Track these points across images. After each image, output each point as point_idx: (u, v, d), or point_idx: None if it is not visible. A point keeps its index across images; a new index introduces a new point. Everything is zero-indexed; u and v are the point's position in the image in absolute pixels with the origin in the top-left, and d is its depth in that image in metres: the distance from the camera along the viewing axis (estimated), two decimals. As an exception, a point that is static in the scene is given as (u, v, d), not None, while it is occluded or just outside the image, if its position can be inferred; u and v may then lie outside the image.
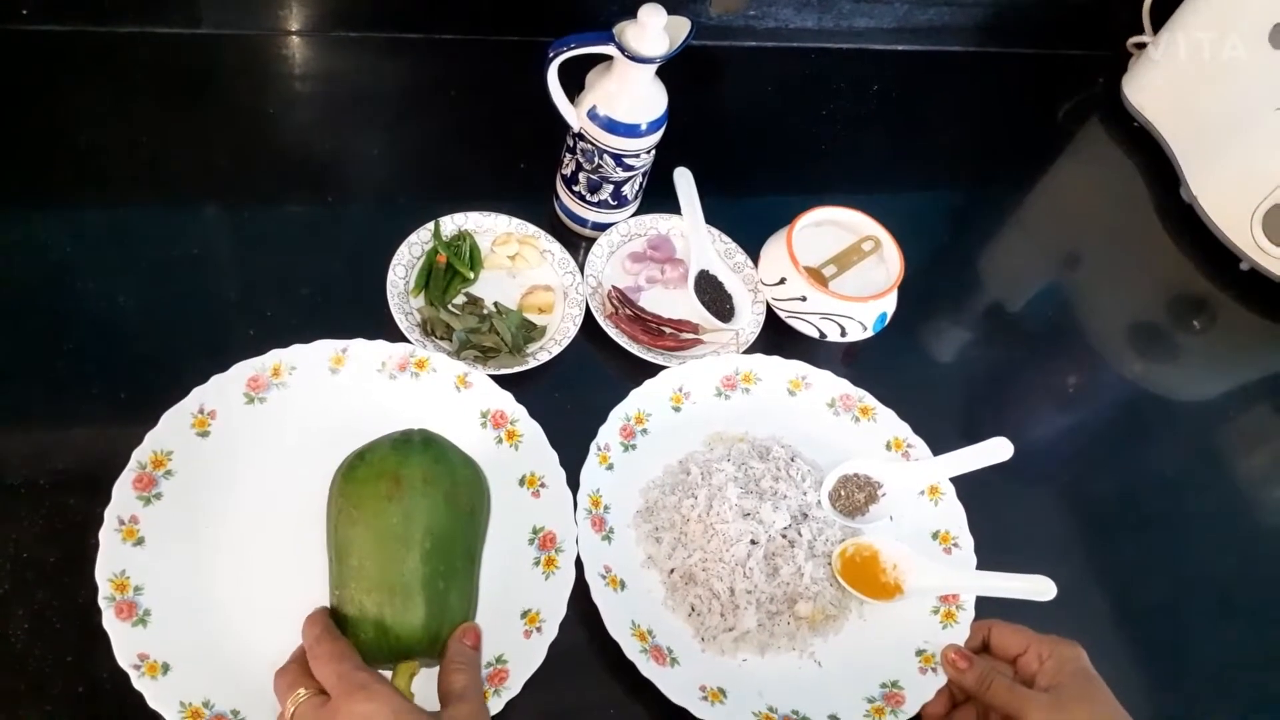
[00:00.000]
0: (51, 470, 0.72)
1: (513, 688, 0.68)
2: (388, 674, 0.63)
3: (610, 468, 0.80)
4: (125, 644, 0.64)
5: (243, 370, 0.75)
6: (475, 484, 0.70)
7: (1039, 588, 0.75)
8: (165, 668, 0.64)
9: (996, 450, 0.81)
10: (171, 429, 0.71)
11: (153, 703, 0.62)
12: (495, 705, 0.67)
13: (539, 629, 0.70)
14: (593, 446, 0.79)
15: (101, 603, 0.64)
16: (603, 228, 0.93)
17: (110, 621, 0.64)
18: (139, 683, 0.62)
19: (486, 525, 0.71)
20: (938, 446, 0.85)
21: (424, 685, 0.65)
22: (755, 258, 0.94)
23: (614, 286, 0.91)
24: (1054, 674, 0.70)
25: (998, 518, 0.84)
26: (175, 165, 0.90)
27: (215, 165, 0.91)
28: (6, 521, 0.69)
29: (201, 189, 0.89)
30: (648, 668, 0.70)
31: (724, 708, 0.70)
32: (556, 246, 0.90)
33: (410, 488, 0.65)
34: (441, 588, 0.64)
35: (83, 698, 0.65)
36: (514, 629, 0.70)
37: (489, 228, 0.90)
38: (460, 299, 0.87)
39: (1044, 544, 0.89)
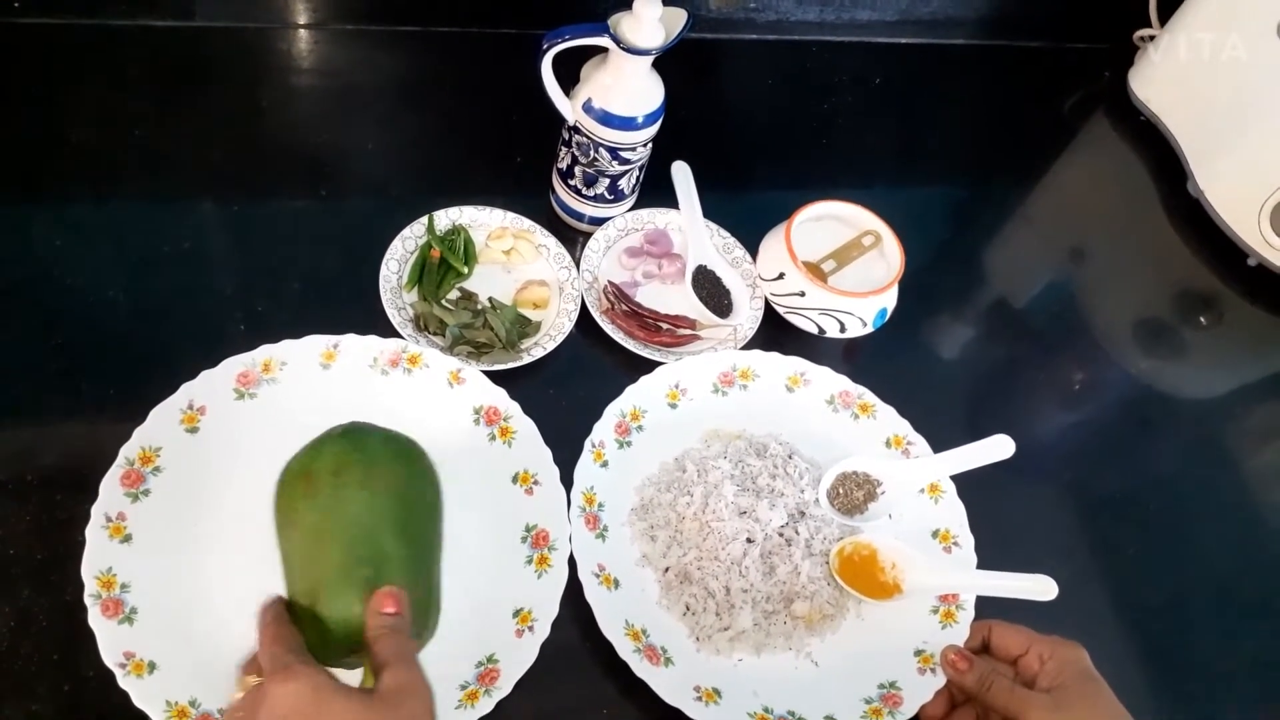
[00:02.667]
0: (39, 466, 0.71)
1: (504, 688, 0.67)
2: (358, 674, 0.61)
3: (605, 465, 0.79)
4: (111, 642, 0.63)
5: (232, 366, 0.74)
6: (400, 465, 0.66)
7: (1040, 587, 0.74)
8: (151, 666, 0.63)
9: (998, 448, 0.80)
10: (160, 425, 0.71)
11: (138, 701, 0.62)
12: (486, 705, 0.66)
13: (531, 628, 0.69)
14: (587, 443, 0.78)
15: (87, 600, 0.64)
16: (599, 222, 0.92)
17: (96, 619, 0.63)
18: (124, 681, 0.62)
19: (429, 503, 0.67)
20: (938, 444, 0.84)
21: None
22: (754, 253, 0.93)
23: (610, 282, 0.90)
24: (1055, 675, 0.69)
25: (999, 516, 0.82)
26: (167, 159, 0.89)
27: (207, 159, 0.90)
28: (-8, 518, 0.69)
29: (193, 183, 0.89)
30: (641, 668, 0.69)
31: (718, 708, 0.69)
32: (552, 241, 0.90)
33: (322, 482, 0.63)
34: (370, 575, 0.60)
35: (68, 696, 0.64)
36: (505, 628, 0.70)
37: (484, 222, 0.89)
38: (454, 294, 0.86)
39: (1046, 543, 0.87)
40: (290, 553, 0.63)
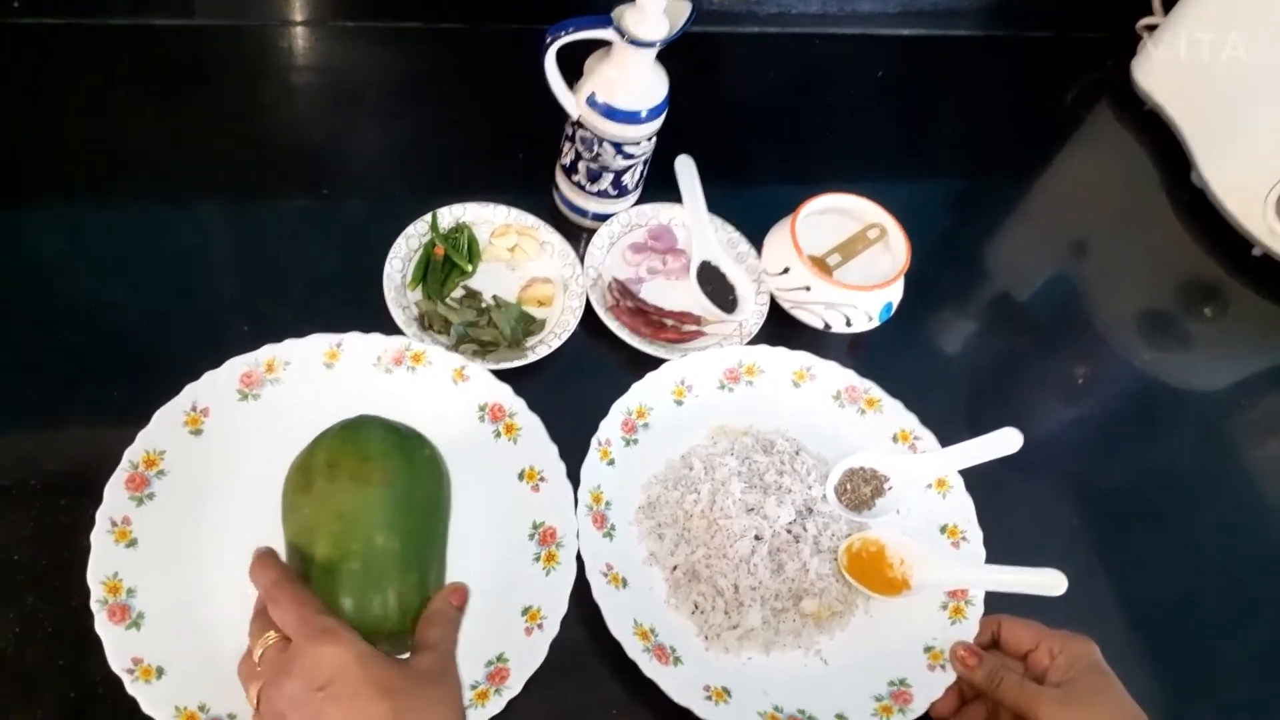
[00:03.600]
0: (42, 471, 0.71)
1: (514, 687, 0.66)
2: None
3: (611, 463, 0.78)
4: (118, 648, 0.63)
5: (236, 366, 0.74)
6: (398, 457, 0.65)
7: (1050, 582, 0.74)
8: (160, 671, 0.63)
9: (1006, 441, 0.80)
10: (164, 427, 0.70)
11: (147, 708, 0.61)
12: (497, 705, 0.66)
13: (540, 626, 0.69)
14: (593, 442, 0.78)
15: (94, 606, 0.63)
16: (603, 218, 0.92)
17: (103, 625, 0.63)
18: (132, 688, 0.61)
19: (429, 494, 0.67)
20: (945, 438, 0.83)
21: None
22: (759, 247, 0.93)
23: (615, 278, 0.89)
24: (1066, 669, 0.69)
25: (1006, 511, 0.82)
26: (168, 158, 0.89)
27: (208, 158, 0.90)
28: (-3, 523, 0.68)
29: (194, 182, 0.88)
30: (650, 667, 0.69)
31: (728, 707, 0.69)
32: (556, 238, 0.89)
33: (317, 476, 0.63)
34: (357, 568, 0.60)
35: (75, 703, 0.63)
36: (515, 626, 0.69)
37: (487, 219, 0.89)
38: (458, 292, 0.86)
39: (1053, 537, 0.87)
40: (288, 546, 0.64)
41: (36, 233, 0.82)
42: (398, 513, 0.63)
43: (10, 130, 0.87)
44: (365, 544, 0.61)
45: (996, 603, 0.76)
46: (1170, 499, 0.93)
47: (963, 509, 0.81)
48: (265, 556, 0.61)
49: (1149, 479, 0.94)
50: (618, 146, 0.85)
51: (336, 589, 0.60)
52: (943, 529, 0.81)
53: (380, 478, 0.63)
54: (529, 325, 0.85)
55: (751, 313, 0.89)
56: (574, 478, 0.75)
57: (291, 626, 0.56)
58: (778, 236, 0.90)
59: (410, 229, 0.85)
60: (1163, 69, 1.18)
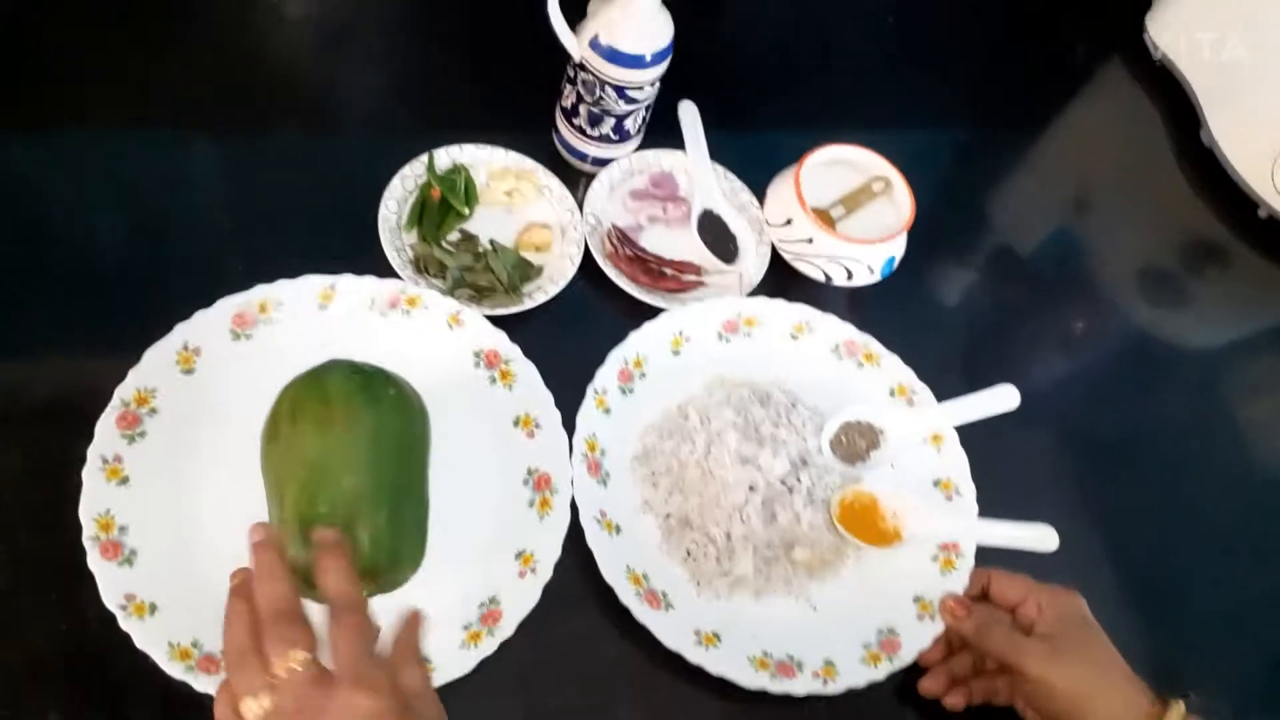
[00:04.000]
0: (33, 408, 0.70)
1: (506, 629, 0.67)
2: None
3: (607, 412, 0.78)
4: (111, 584, 0.63)
5: (228, 306, 0.73)
6: (362, 399, 0.64)
7: (1041, 536, 0.74)
8: (153, 608, 0.63)
9: (1003, 398, 0.80)
10: (155, 366, 0.70)
11: (140, 643, 0.62)
12: (490, 645, 0.66)
13: (533, 570, 0.69)
14: (589, 390, 0.77)
15: (86, 543, 0.63)
16: (603, 163, 0.90)
17: (95, 561, 0.63)
18: (126, 623, 0.62)
19: (400, 433, 0.65)
20: (943, 393, 0.83)
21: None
22: (761, 197, 0.91)
23: (614, 225, 0.88)
24: (1053, 623, 0.69)
25: (1001, 465, 0.82)
26: (160, 96, 0.87)
27: (201, 96, 0.88)
28: (-13, 459, 0.68)
29: (188, 120, 0.86)
30: (642, 612, 0.70)
31: (718, 651, 0.70)
32: (555, 182, 0.88)
33: (281, 425, 0.63)
34: (324, 511, 0.59)
35: (68, 638, 0.64)
36: (508, 569, 0.70)
37: (485, 161, 0.87)
38: (455, 235, 0.84)
39: (1047, 492, 0.87)
40: (266, 495, 0.64)
41: (28, 168, 0.81)
42: (363, 454, 0.62)
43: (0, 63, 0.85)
44: (332, 488, 0.61)
45: (987, 556, 0.77)
46: (1164, 455, 0.93)
47: (957, 464, 0.81)
48: (340, 557, 0.55)
49: (1144, 435, 0.94)
50: (620, 90, 0.83)
51: (307, 534, 0.60)
52: (936, 483, 0.81)
53: (342, 420, 0.62)
54: (526, 271, 0.84)
55: (752, 263, 0.89)
56: (569, 425, 0.75)
57: (345, 662, 0.51)
58: (781, 187, 0.89)
59: (406, 169, 0.84)
60: (1177, 23, 1.16)
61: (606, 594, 0.70)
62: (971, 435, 0.82)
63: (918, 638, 0.73)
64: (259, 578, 0.53)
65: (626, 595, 0.70)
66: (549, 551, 0.70)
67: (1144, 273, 1.06)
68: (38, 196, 0.79)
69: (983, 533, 0.77)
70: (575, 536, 0.71)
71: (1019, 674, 0.68)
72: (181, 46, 0.90)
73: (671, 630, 0.69)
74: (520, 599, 0.68)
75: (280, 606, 0.52)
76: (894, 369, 0.85)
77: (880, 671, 0.71)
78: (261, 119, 0.88)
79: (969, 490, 0.80)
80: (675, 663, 0.69)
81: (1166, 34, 1.17)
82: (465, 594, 0.69)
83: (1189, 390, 0.99)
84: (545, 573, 0.69)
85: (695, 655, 0.69)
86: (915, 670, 0.73)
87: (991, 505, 0.80)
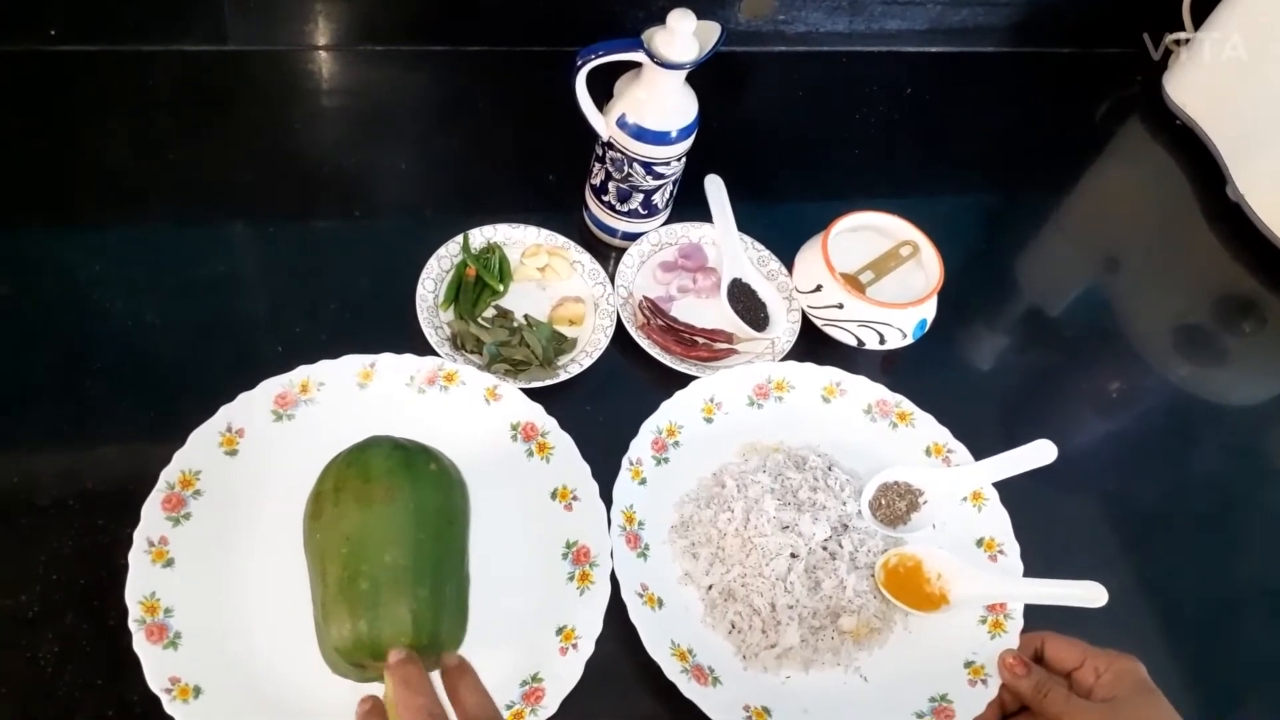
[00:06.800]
0: (81, 491, 0.71)
1: (549, 707, 0.66)
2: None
3: (643, 482, 0.78)
4: (156, 667, 0.63)
5: (270, 387, 0.74)
6: (403, 475, 0.64)
7: (1089, 594, 0.73)
8: (197, 691, 0.63)
9: (1040, 453, 0.79)
10: (199, 448, 0.71)
11: (184, 727, 0.61)
12: (532, 725, 0.65)
13: (575, 646, 0.69)
14: (625, 461, 0.77)
15: (132, 625, 0.64)
16: (633, 237, 0.92)
17: (141, 644, 0.63)
18: (170, 707, 0.62)
19: (440, 508, 0.66)
20: (980, 454, 0.82)
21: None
22: (789, 265, 0.92)
23: (645, 297, 0.89)
24: (1112, 686, 0.67)
25: (1041, 527, 0.81)
26: (202, 183, 0.90)
27: (242, 182, 0.91)
28: (36, 543, 0.69)
29: (229, 206, 0.89)
30: (689, 688, 0.68)
31: (768, 727, 0.68)
32: (586, 257, 0.89)
33: (325, 502, 0.63)
34: (366, 588, 0.60)
35: (113, 722, 0.64)
36: (549, 646, 0.69)
37: (518, 239, 0.89)
38: (490, 312, 0.86)
39: (1090, 553, 0.86)
40: (309, 574, 0.64)
41: (73, 256, 0.83)
42: (404, 528, 0.63)
43: (47, 155, 0.88)
44: (373, 563, 0.61)
45: (1036, 617, 0.75)
46: (1208, 514, 0.91)
47: (999, 522, 0.80)
48: (468, 673, 0.59)
49: (1186, 494, 0.93)
50: (648, 166, 0.85)
51: (349, 610, 0.60)
52: (979, 542, 0.80)
53: (383, 496, 0.63)
54: (560, 344, 0.85)
55: (784, 330, 0.89)
56: (606, 497, 0.75)
57: None
58: (810, 254, 0.90)
59: (442, 250, 0.86)
60: (1194, 84, 1.17)
61: (651, 669, 0.69)
62: (1010, 497, 0.81)
63: (971, 704, 0.71)
64: (403, 691, 0.55)
65: (672, 671, 0.69)
66: (590, 627, 0.69)
67: (1178, 330, 1.05)
68: (81, 284, 0.81)
69: (1030, 591, 0.75)
70: (616, 610, 0.70)
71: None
72: (221, 136, 0.93)
73: (721, 706, 0.68)
74: (563, 676, 0.67)
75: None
76: (928, 428, 0.84)
77: (935, 740, 0.70)
78: (301, 205, 0.91)
79: (1013, 549, 0.79)
80: (724, 738, 0.68)
81: (1185, 93, 1.18)
82: (507, 672, 0.68)
83: (1229, 447, 0.98)
84: (587, 649, 0.68)
85: (745, 730, 0.67)
86: (970, 737, 0.71)
87: (1035, 567, 0.78)
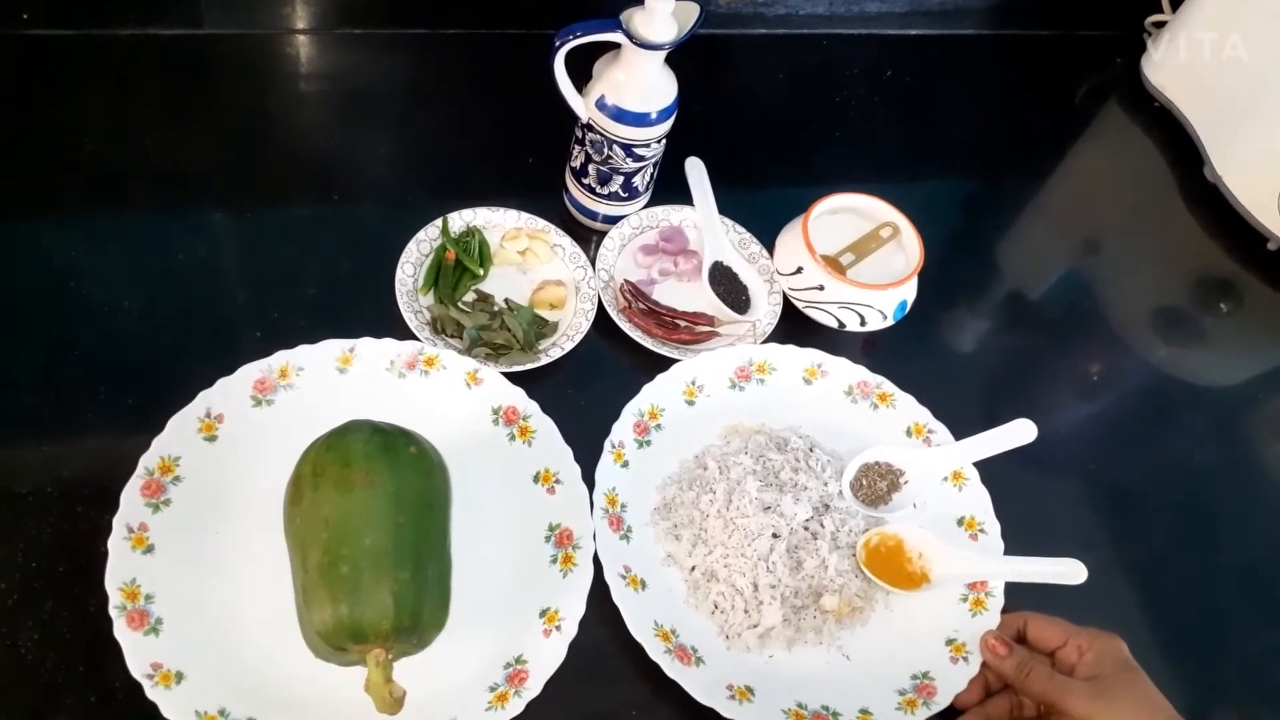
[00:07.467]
0: (59, 479, 0.71)
1: (533, 688, 0.66)
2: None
3: (625, 465, 0.78)
4: (137, 653, 0.62)
5: (249, 373, 0.74)
6: (382, 459, 0.64)
7: (1069, 571, 0.74)
8: (179, 676, 0.63)
9: (1020, 432, 0.80)
10: (179, 434, 0.70)
11: (167, 712, 0.61)
12: (517, 706, 0.65)
13: (558, 628, 0.69)
14: (607, 444, 0.78)
15: (112, 612, 0.63)
16: (613, 220, 0.92)
17: (121, 631, 0.63)
18: (152, 693, 0.61)
19: (420, 492, 0.66)
20: (960, 435, 0.83)
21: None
22: (770, 248, 0.92)
23: (626, 280, 0.89)
24: (1094, 665, 0.68)
25: (1021, 507, 0.82)
26: (179, 168, 0.89)
27: (219, 167, 0.90)
28: (15, 531, 0.68)
29: (206, 191, 0.88)
30: (673, 668, 0.69)
31: (752, 706, 0.69)
32: (567, 241, 0.89)
33: (304, 487, 0.64)
34: (347, 571, 0.60)
35: (95, 708, 0.63)
36: (533, 628, 0.69)
37: (498, 223, 0.89)
38: (470, 296, 0.85)
39: (1069, 533, 0.87)
40: (290, 559, 0.64)
41: (50, 242, 0.82)
42: (384, 512, 0.63)
43: (22, 141, 0.87)
44: (353, 547, 0.61)
45: (1017, 596, 0.76)
46: (1185, 493, 0.92)
47: (980, 501, 0.81)
48: None
49: (1164, 473, 0.94)
50: (627, 149, 0.85)
51: (330, 594, 0.60)
52: (960, 521, 0.80)
53: (363, 480, 0.63)
54: (541, 328, 0.84)
55: (765, 313, 0.89)
56: (589, 480, 0.75)
57: None
58: (790, 236, 0.90)
59: (421, 234, 0.86)
60: (1172, 66, 1.18)
61: (634, 650, 0.69)
62: (990, 477, 0.81)
63: (953, 681, 0.72)
64: None
65: (656, 651, 0.69)
66: (574, 608, 0.69)
67: (1156, 311, 1.06)
68: (59, 271, 0.81)
69: (1010, 569, 0.76)
70: (599, 592, 0.71)
71: (1061, 716, 0.66)
72: (199, 121, 0.92)
73: (704, 686, 0.68)
74: (546, 658, 0.67)
75: None
76: (909, 409, 0.85)
77: (917, 717, 0.70)
78: (279, 190, 0.90)
79: (994, 528, 0.79)
80: (708, 717, 0.68)
81: (1163, 75, 1.19)
82: (491, 654, 0.68)
83: (1207, 426, 0.99)
84: (570, 630, 0.68)
85: (729, 710, 0.67)
86: (951, 714, 0.72)
87: (1015, 546, 0.79)
